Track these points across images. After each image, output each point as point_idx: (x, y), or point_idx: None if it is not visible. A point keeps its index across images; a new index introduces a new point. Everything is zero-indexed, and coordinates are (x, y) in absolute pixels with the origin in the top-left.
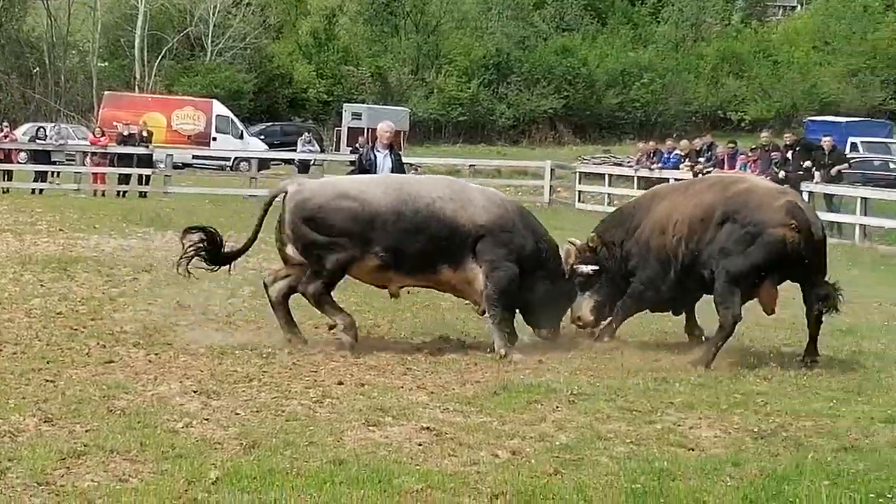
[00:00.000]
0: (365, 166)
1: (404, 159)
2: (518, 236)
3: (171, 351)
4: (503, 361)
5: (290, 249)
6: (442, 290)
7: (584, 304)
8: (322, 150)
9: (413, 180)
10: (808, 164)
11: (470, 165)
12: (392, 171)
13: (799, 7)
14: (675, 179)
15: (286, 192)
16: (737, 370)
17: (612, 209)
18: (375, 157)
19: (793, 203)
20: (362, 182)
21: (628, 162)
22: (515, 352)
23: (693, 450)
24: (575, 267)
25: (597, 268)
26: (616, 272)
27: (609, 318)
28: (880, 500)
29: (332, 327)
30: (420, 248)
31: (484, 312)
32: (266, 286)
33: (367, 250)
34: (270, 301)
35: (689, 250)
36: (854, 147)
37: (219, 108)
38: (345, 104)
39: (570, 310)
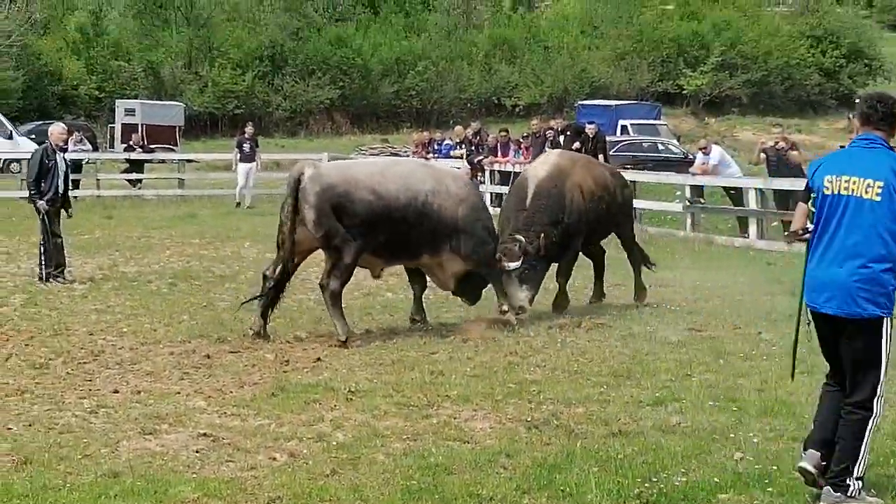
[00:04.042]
0: (48, 165)
1: (182, 156)
2: (485, 219)
3: None
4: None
5: (304, 233)
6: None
7: (524, 296)
8: (96, 149)
9: (408, 173)
10: (577, 145)
11: None
12: (65, 173)
13: None
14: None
15: (303, 174)
16: (512, 360)
17: None
18: (56, 157)
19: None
20: (378, 175)
21: (405, 152)
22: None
23: (468, 443)
24: (505, 263)
25: (519, 264)
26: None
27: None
28: (646, 484)
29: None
30: (411, 238)
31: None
32: (266, 277)
33: (371, 240)
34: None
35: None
36: (624, 130)
37: None
38: (117, 100)
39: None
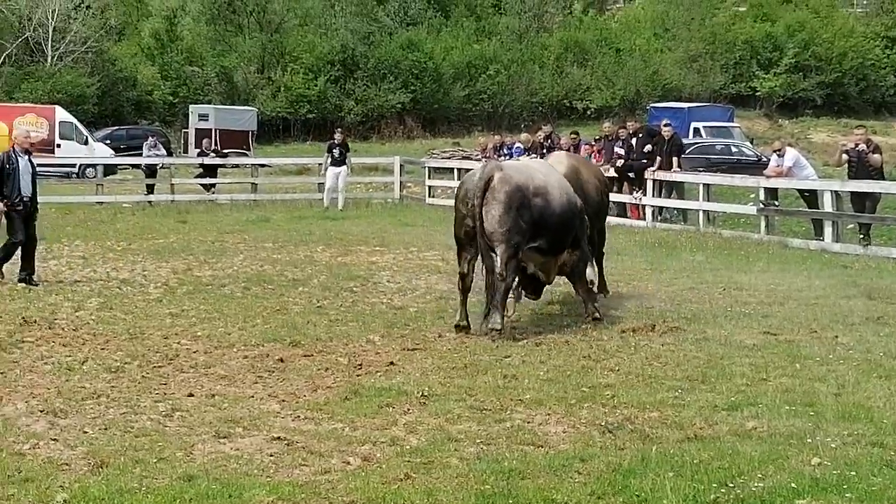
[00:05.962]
0: (8, 171)
1: (255, 160)
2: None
3: (17, 369)
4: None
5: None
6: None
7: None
8: (170, 153)
9: (562, 179)
10: (648, 147)
11: (320, 164)
12: (32, 175)
13: None
14: None
15: (493, 176)
16: (585, 363)
17: None
18: (18, 161)
19: None
20: (549, 182)
21: (476, 155)
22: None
23: (542, 447)
24: None
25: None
26: None
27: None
28: (722, 490)
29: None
30: (560, 237)
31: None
32: (464, 275)
33: (533, 239)
34: (466, 287)
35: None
36: (697, 132)
37: (62, 113)
38: (191, 105)
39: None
